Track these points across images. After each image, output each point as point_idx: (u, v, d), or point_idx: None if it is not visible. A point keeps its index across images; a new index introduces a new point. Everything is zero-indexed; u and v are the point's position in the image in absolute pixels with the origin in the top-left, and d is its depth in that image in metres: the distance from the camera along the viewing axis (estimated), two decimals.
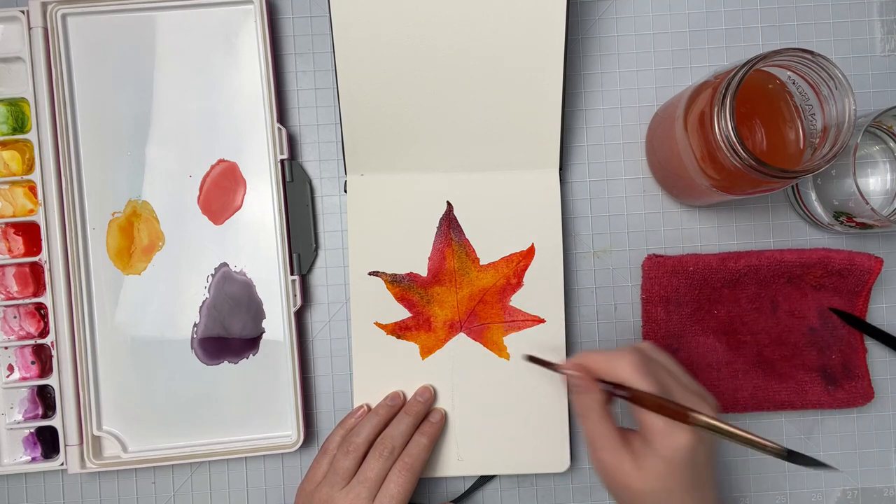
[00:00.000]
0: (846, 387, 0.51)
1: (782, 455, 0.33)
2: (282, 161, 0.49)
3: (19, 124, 0.50)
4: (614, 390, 0.38)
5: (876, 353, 0.52)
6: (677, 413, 0.35)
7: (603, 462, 0.38)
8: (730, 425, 0.34)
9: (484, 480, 0.51)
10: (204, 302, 0.50)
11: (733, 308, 0.51)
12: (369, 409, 0.49)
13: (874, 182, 0.49)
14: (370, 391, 0.49)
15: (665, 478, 0.36)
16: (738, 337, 0.51)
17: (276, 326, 0.50)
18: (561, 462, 0.49)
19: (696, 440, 0.35)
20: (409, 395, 0.49)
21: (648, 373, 0.37)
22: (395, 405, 0.48)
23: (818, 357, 0.51)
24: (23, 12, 0.48)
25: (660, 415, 0.36)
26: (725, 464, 0.52)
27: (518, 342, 0.49)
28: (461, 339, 0.50)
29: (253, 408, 0.50)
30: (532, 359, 0.46)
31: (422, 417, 0.48)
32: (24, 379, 0.50)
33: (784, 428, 0.52)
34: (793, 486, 0.52)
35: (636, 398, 0.36)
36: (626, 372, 0.37)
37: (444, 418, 0.49)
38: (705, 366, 0.51)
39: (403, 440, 0.46)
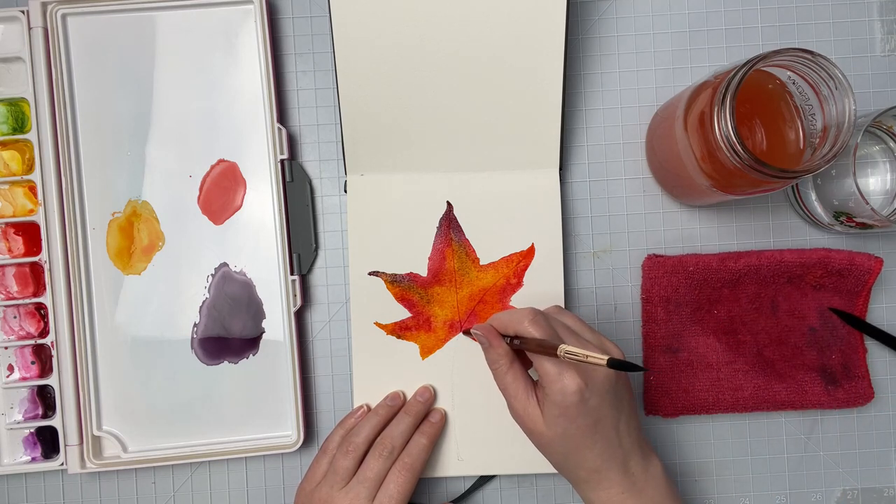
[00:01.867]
0: (846, 387, 0.51)
1: (608, 365, 0.35)
2: (282, 161, 0.49)
3: (19, 124, 0.50)
4: (512, 342, 0.41)
5: (876, 353, 0.52)
6: (551, 350, 0.37)
7: (515, 410, 0.42)
8: (583, 353, 0.36)
9: (484, 480, 0.51)
10: (204, 302, 0.50)
11: (733, 308, 0.51)
12: (369, 409, 0.49)
13: (874, 182, 0.49)
14: (370, 391, 0.49)
15: (562, 422, 0.39)
16: (738, 337, 0.51)
17: (276, 326, 0.50)
18: None
19: (582, 384, 0.38)
20: (409, 395, 0.49)
21: (541, 324, 0.40)
22: (395, 405, 0.48)
23: (818, 357, 0.51)
24: (23, 12, 0.48)
25: (545, 357, 0.39)
26: (725, 463, 0.52)
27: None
28: (461, 339, 0.50)
29: (253, 408, 0.50)
30: (466, 332, 0.49)
31: (422, 417, 0.48)
32: (24, 379, 0.50)
33: (784, 428, 0.52)
34: (793, 486, 0.52)
35: (525, 344, 0.40)
36: (522, 325, 0.40)
37: (444, 418, 0.49)
38: (705, 366, 0.51)
39: (403, 440, 0.46)
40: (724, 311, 0.51)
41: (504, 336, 0.42)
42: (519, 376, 0.41)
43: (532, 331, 0.40)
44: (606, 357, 0.35)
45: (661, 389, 0.51)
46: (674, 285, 0.50)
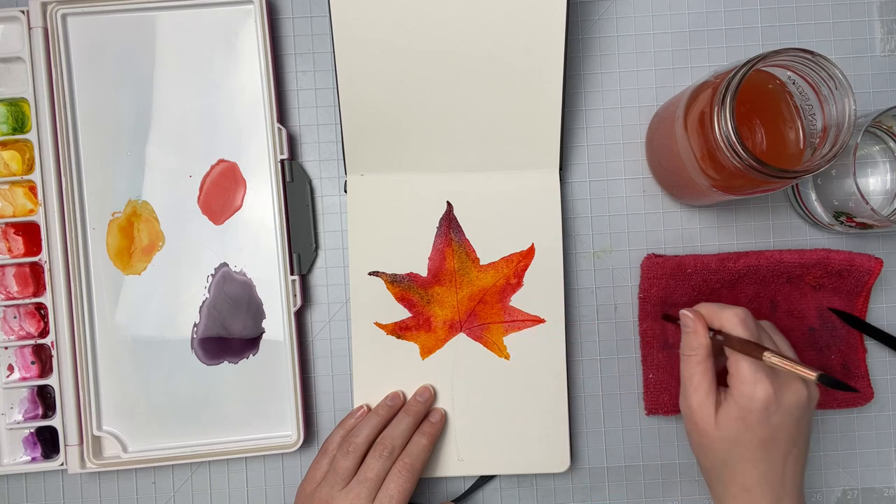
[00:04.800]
0: None
1: (819, 380, 0.35)
2: (282, 161, 0.49)
3: (19, 124, 0.50)
4: (715, 335, 0.41)
5: (876, 353, 0.52)
6: (756, 352, 0.38)
7: (689, 403, 0.41)
8: (791, 362, 0.36)
9: (484, 480, 0.51)
10: (204, 302, 0.50)
11: None
12: (369, 409, 0.49)
13: (874, 182, 0.49)
14: (370, 391, 0.49)
15: (737, 426, 0.39)
16: None
17: (276, 326, 0.50)
18: (561, 462, 0.49)
19: (772, 396, 0.38)
20: (409, 395, 0.49)
21: (749, 327, 0.40)
22: (395, 405, 0.48)
23: (818, 357, 0.51)
24: (23, 12, 0.48)
25: (743, 358, 0.39)
26: None
27: (518, 342, 0.49)
28: (461, 339, 0.50)
29: (253, 408, 0.50)
30: (666, 316, 0.50)
31: (422, 417, 0.48)
32: (24, 379, 0.50)
33: None
34: None
35: (728, 340, 0.40)
36: (731, 322, 0.40)
37: (444, 418, 0.49)
38: None
39: (403, 440, 0.46)
40: None
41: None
42: (708, 371, 0.41)
43: (740, 330, 0.40)
44: (818, 372, 0.35)
45: (660, 386, 0.51)
46: (672, 286, 0.50)
